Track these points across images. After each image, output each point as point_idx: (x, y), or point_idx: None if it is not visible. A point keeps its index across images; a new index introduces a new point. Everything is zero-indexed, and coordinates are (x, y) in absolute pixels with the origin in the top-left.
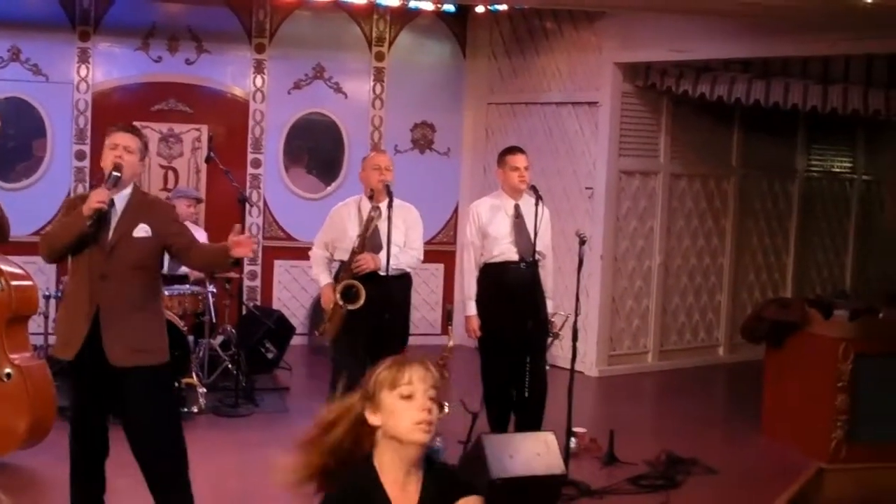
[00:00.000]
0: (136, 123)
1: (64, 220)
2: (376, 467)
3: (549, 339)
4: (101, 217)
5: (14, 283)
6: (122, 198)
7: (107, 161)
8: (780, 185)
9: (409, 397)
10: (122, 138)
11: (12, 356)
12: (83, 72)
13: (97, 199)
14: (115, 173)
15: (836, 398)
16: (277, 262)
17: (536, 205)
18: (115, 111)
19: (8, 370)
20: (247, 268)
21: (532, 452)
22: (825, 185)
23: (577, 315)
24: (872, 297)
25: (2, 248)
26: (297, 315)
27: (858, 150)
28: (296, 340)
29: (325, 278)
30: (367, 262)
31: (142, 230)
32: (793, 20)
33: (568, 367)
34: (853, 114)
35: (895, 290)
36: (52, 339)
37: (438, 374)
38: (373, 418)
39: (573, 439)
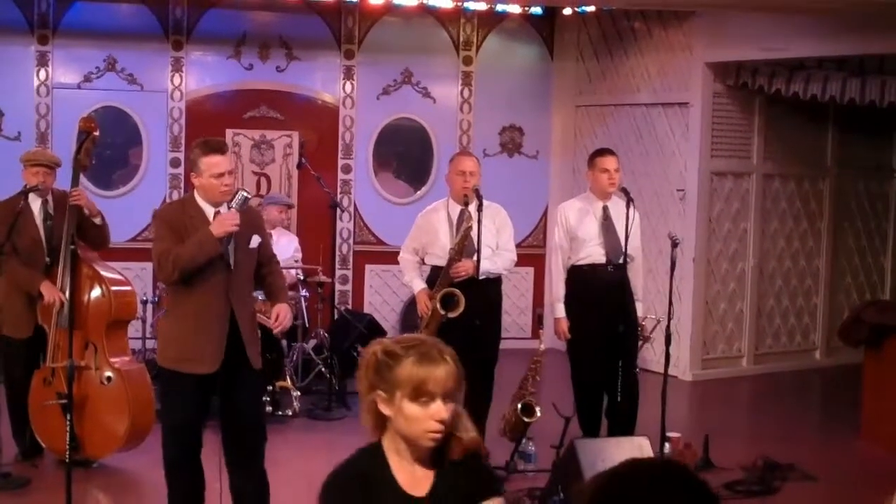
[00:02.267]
0: (228, 131)
1: (192, 242)
2: (385, 452)
3: (640, 343)
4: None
5: (114, 288)
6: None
7: (212, 186)
8: (877, 185)
9: (426, 403)
10: (225, 164)
11: (113, 360)
12: (177, 80)
13: (232, 222)
14: (244, 194)
15: None
16: (368, 267)
17: (627, 207)
18: (208, 119)
19: (109, 374)
20: (338, 272)
21: (626, 457)
22: None
23: (669, 318)
24: None
25: (101, 254)
26: (388, 319)
27: None
28: None
29: (418, 284)
30: (467, 268)
31: (255, 241)
32: (888, 16)
33: (660, 370)
34: None
35: None
36: (150, 344)
37: (458, 371)
38: (384, 408)
39: (667, 444)
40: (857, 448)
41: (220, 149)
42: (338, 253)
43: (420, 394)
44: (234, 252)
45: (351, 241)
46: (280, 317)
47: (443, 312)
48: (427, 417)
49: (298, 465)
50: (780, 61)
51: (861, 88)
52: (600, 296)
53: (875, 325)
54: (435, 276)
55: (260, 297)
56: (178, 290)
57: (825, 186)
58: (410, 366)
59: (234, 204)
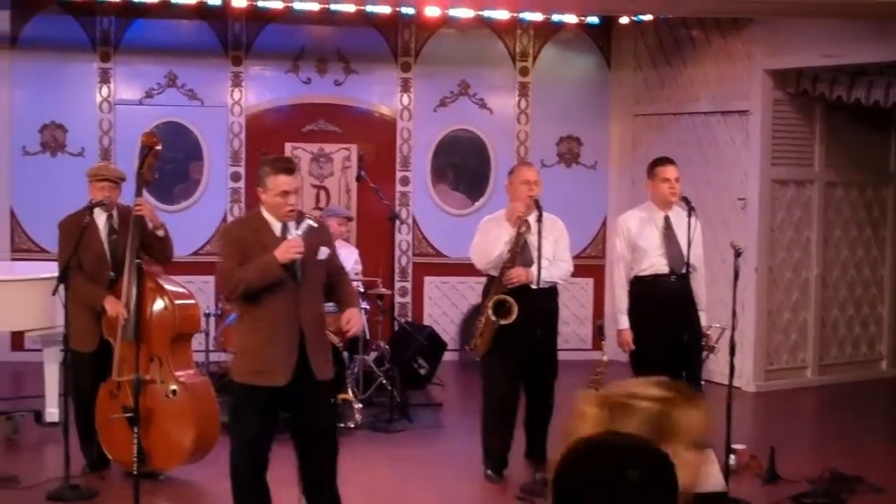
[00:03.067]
0: (287, 144)
1: (256, 266)
2: None
3: (705, 354)
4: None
5: (178, 301)
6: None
7: (278, 205)
8: None
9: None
10: (290, 183)
11: (177, 373)
12: (236, 95)
13: (296, 249)
14: (310, 223)
15: None
16: (427, 279)
17: (689, 216)
18: (267, 133)
19: (174, 387)
20: (397, 284)
21: None
22: None
23: (733, 329)
24: None
25: (163, 268)
26: (447, 331)
27: None
28: (447, 356)
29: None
30: (519, 275)
31: (323, 253)
32: None
33: (723, 382)
34: None
35: None
36: (213, 357)
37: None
38: None
39: (733, 456)
40: None
41: (288, 169)
42: (397, 265)
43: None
44: (302, 265)
45: (410, 253)
46: (351, 322)
47: (494, 319)
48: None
49: (362, 478)
50: (842, 67)
51: None
52: (663, 306)
53: None
54: (491, 286)
55: (329, 309)
56: (248, 304)
57: (889, 193)
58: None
59: (299, 231)
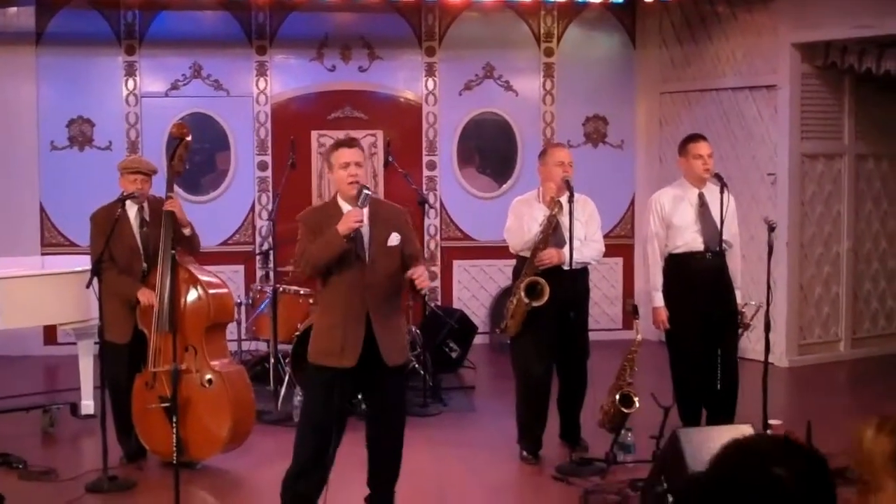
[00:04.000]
0: (313, 132)
1: (321, 241)
2: None
3: (740, 331)
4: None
5: (212, 291)
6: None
7: (340, 178)
8: None
9: None
10: (351, 155)
11: (213, 363)
12: (261, 84)
13: (354, 219)
14: (366, 192)
15: None
16: (456, 263)
17: (721, 192)
18: (293, 121)
19: (209, 376)
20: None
21: None
22: None
23: (768, 305)
24: None
25: (195, 259)
26: (477, 314)
27: None
28: (478, 339)
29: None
30: (551, 256)
31: (394, 239)
32: None
33: (756, 358)
34: None
35: None
36: (245, 345)
37: None
38: None
39: (769, 431)
40: None
41: (347, 143)
42: (426, 250)
43: None
44: (369, 248)
45: (438, 237)
46: (416, 272)
47: (527, 301)
48: None
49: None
50: (870, 39)
51: None
52: (699, 284)
53: None
54: (521, 267)
55: None
56: (321, 286)
57: None
58: None
59: (359, 202)
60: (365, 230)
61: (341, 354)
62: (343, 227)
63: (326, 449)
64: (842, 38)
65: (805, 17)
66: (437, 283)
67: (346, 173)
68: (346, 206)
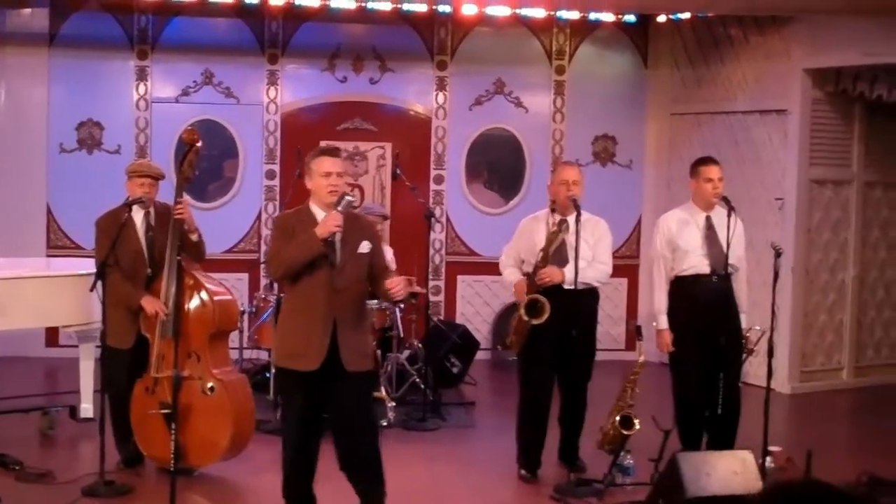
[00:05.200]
0: (322, 142)
1: (297, 242)
2: None
3: (744, 356)
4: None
5: (216, 298)
6: (345, 203)
7: (322, 186)
8: None
9: None
10: (333, 164)
11: (215, 371)
12: (272, 93)
13: (334, 223)
14: (349, 198)
15: None
16: (460, 278)
17: (729, 216)
18: (302, 131)
19: (211, 384)
20: (431, 283)
21: (729, 471)
22: None
23: (772, 330)
24: None
25: (201, 265)
26: (480, 330)
27: None
28: (480, 355)
29: (515, 275)
30: (551, 274)
31: (365, 246)
32: None
33: (758, 383)
34: None
35: None
36: (247, 354)
37: None
38: None
39: (769, 458)
40: None
41: (330, 152)
42: (431, 264)
43: None
44: (340, 254)
45: (443, 251)
46: (394, 282)
47: (526, 319)
48: None
49: (396, 477)
50: (882, 66)
51: None
52: (704, 307)
53: None
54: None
55: (371, 306)
56: (288, 289)
57: None
58: None
59: (339, 207)
60: (337, 235)
61: (305, 357)
62: (322, 230)
63: (311, 451)
64: (853, 64)
65: (817, 43)
66: (441, 297)
67: (327, 182)
68: (319, 212)
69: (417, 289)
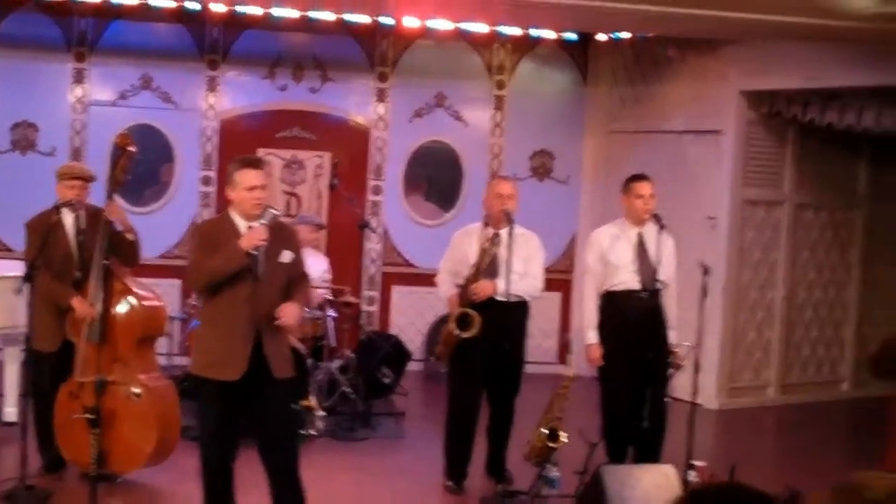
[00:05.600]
0: (260, 150)
1: (221, 255)
2: None
3: (672, 371)
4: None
5: (145, 303)
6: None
7: (244, 199)
8: None
9: None
10: (257, 178)
11: (141, 376)
12: (211, 100)
13: (259, 237)
14: (273, 212)
15: None
16: (396, 288)
17: (659, 233)
18: (240, 138)
19: (137, 390)
20: (366, 293)
21: (652, 485)
22: None
23: (698, 347)
24: None
25: (131, 270)
26: (413, 341)
27: None
28: (412, 366)
29: (449, 288)
30: (483, 288)
31: (286, 256)
32: None
33: (686, 398)
34: None
35: None
36: (178, 360)
37: None
38: None
39: (693, 473)
40: None
41: (254, 164)
42: (366, 274)
43: None
44: (263, 264)
45: (379, 262)
46: (283, 310)
47: (457, 332)
48: None
49: (321, 487)
50: (816, 90)
51: None
52: (633, 322)
53: None
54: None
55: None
56: (208, 300)
57: (856, 217)
58: None
59: (263, 220)
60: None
61: (226, 367)
62: (247, 243)
63: (229, 460)
64: (788, 87)
65: (753, 66)
66: (376, 308)
67: (251, 196)
68: (240, 222)
69: (351, 299)
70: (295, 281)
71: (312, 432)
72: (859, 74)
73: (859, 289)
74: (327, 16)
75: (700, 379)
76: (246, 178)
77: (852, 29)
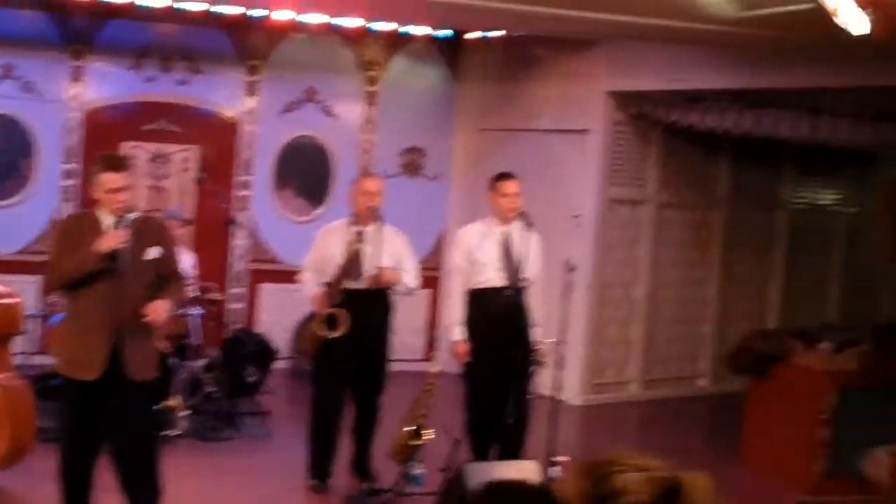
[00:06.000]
0: (126, 143)
1: (76, 259)
2: None
3: (533, 367)
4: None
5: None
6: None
7: (108, 200)
8: (768, 216)
9: None
10: (118, 180)
11: None
12: (75, 90)
13: (117, 240)
14: (130, 216)
15: (818, 430)
16: (263, 285)
17: (526, 231)
18: (105, 130)
19: None
20: (232, 290)
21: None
22: (813, 217)
23: (562, 343)
24: (857, 330)
25: None
26: (281, 338)
27: (846, 182)
28: (279, 364)
29: (314, 286)
30: (390, 277)
31: (152, 252)
32: (783, 52)
33: (550, 395)
34: (842, 146)
35: (880, 323)
36: (36, 360)
37: None
38: None
39: (555, 468)
40: (738, 474)
41: (117, 166)
42: (233, 270)
43: None
44: (125, 262)
45: (247, 258)
46: (149, 308)
47: (324, 332)
48: None
49: (183, 488)
50: (680, 92)
51: (756, 121)
52: (498, 319)
53: (760, 354)
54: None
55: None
56: (69, 297)
57: (717, 216)
58: None
59: (124, 222)
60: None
61: (84, 366)
62: (104, 246)
63: (87, 460)
64: (653, 89)
65: (619, 67)
66: (243, 305)
67: (115, 198)
68: (105, 218)
69: (216, 296)
70: (166, 278)
71: (176, 432)
72: (722, 77)
73: (719, 287)
74: (196, 6)
75: (564, 375)
76: (107, 180)
77: (716, 33)
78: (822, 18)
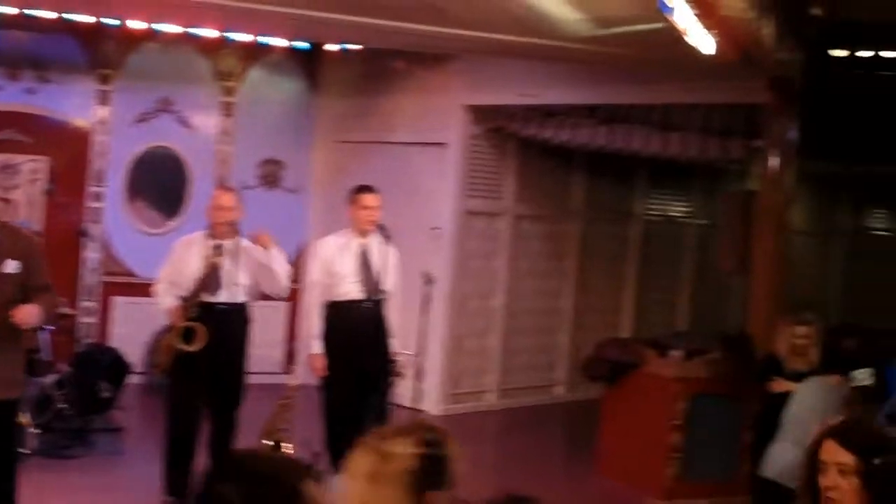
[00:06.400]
0: None
1: None
2: None
3: (393, 378)
4: None
5: None
6: None
7: None
8: (621, 228)
9: None
10: None
11: None
12: None
13: None
14: None
15: (669, 436)
16: (116, 299)
17: (384, 244)
18: None
19: None
20: (83, 304)
21: None
22: (663, 228)
23: (421, 354)
24: (706, 338)
25: None
26: (135, 353)
27: (695, 195)
28: (134, 379)
29: (170, 301)
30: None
31: (11, 266)
32: (636, 69)
33: (409, 405)
34: (691, 160)
35: (728, 331)
36: None
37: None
38: None
39: None
40: (593, 481)
41: None
42: (84, 283)
43: None
44: None
45: (99, 271)
46: (18, 311)
47: (182, 346)
48: None
49: None
50: (535, 107)
51: (609, 136)
52: (356, 332)
53: (614, 362)
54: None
55: None
56: None
57: (571, 228)
58: None
59: None
60: None
61: None
62: None
63: None
64: (509, 104)
65: (476, 82)
66: (95, 319)
67: None
68: None
69: (67, 310)
70: (33, 292)
71: (25, 451)
72: (576, 93)
73: (574, 297)
74: (47, 14)
75: (423, 385)
76: None
77: (570, 50)
78: (673, 38)
